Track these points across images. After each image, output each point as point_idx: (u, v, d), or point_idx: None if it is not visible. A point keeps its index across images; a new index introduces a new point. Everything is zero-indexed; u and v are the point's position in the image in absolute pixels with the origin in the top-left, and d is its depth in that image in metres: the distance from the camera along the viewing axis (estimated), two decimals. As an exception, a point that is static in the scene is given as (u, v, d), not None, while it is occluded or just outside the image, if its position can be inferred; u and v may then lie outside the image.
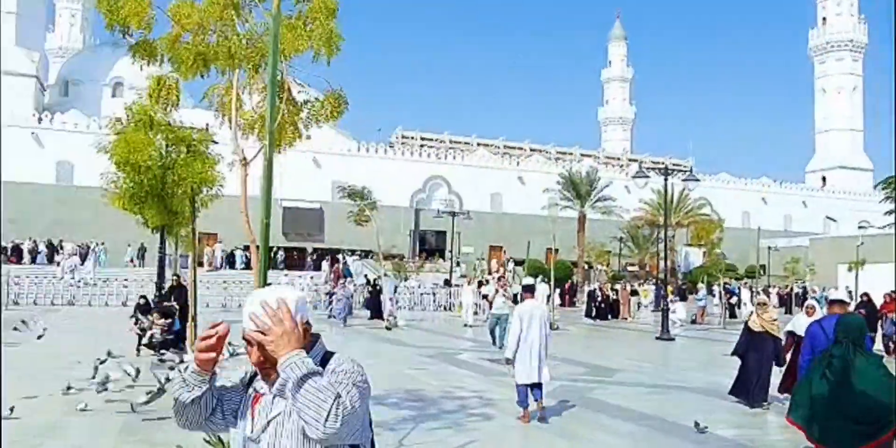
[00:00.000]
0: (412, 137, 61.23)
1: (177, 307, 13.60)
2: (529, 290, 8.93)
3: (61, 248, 36.43)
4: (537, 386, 7.96)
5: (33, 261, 36.30)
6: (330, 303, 23.92)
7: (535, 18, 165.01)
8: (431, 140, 61.81)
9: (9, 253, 36.92)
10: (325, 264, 40.68)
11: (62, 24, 74.80)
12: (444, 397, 9.38)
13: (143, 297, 15.22)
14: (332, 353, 2.13)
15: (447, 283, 35.32)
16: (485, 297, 25.14)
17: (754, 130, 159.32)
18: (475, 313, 24.77)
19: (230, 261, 42.55)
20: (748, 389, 9.24)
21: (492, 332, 15.30)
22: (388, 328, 20.49)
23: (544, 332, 8.03)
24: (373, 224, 22.30)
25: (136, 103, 11.55)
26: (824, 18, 73.27)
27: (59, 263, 32.33)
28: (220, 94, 7.28)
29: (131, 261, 35.38)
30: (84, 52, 59.17)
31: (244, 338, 1.99)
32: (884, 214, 36.39)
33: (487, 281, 29.50)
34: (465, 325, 21.80)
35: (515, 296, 18.45)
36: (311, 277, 35.56)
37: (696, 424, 7.58)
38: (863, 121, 73.04)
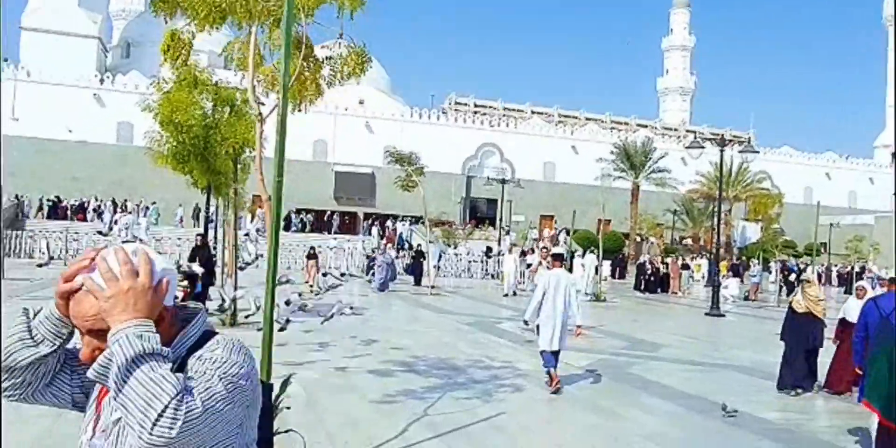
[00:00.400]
0: (465, 104, 60.62)
1: (199, 269, 12.69)
2: (558, 258, 8.87)
3: (124, 207, 37.35)
4: (555, 354, 7.98)
5: (99, 218, 37.19)
6: (370, 268, 23.86)
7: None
8: (485, 107, 61.11)
9: (73, 210, 38.09)
10: (374, 230, 40.89)
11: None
12: (475, 366, 9.23)
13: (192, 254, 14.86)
14: (213, 334, 1.49)
15: (488, 251, 35.04)
16: (528, 266, 24.93)
17: (820, 102, 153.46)
18: (519, 283, 24.59)
19: (286, 223, 43.05)
20: (791, 376, 8.46)
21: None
22: (432, 294, 20.51)
23: (569, 301, 8.05)
24: (420, 190, 22.05)
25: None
26: (903, -16, 69.50)
27: (116, 221, 33.11)
28: (241, 48, 7.11)
29: (181, 220, 35.88)
30: (145, 14, 59.78)
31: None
32: None
33: (532, 250, 29.21)
34: (506, 295, 21.56)
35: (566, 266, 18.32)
36: (363, 242, 35.86)
37: (724, 407, 7.22)
38: (940, 94, 69.43)
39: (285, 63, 3.90)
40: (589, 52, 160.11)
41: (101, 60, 54.53)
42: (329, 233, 40.56)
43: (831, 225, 42.77)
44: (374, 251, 26.23)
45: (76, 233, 28.95)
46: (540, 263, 13.19)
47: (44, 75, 43.62)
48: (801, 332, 8.47)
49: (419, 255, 25.44)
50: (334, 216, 44.21)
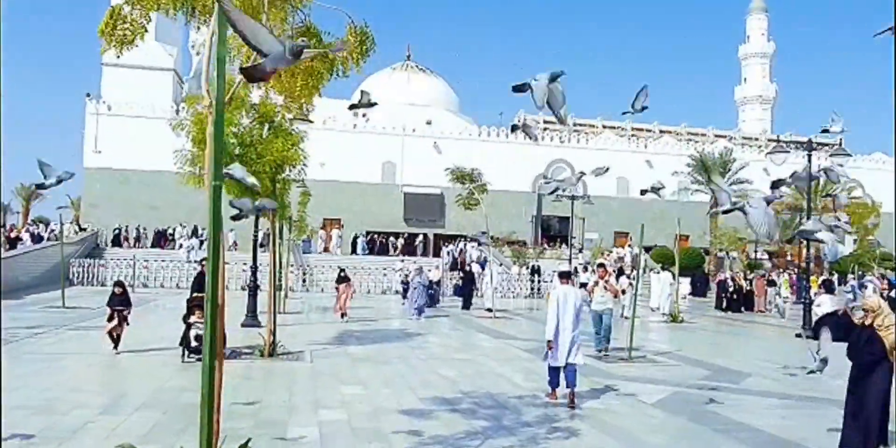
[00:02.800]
0: (535, 121, 59.55)
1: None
2: (565, 276, 9.30)
3: (198, 232, 37.76)
4: (571, 368, 8.19)
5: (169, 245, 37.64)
6: (406, 291, 22.49)
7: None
8: (554, 123, 59.87)
9: (151, 239, 38.77)
10: (444, 251, 40.14)
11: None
12: (528, 404, 8.18)
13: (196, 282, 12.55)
14: None
15: (534, 271, 33.56)
16: (583, 285, 22.99)
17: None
18: None
19: (353, 246, 42.88)
20: (856, 435, 6.35)
21: (596, 332, 12.52)
22: (493, 317, 19.51)
23: (579, 317, 8.37)
24: (482, 207, 21.17)
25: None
26: None
27: (181, 246, 33.46)
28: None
29: (234, 244, 35.46)
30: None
31: None
32: None
33: (586, 268, 27.49)
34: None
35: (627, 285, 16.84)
36: (414, 263, 34.76)
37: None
38: None
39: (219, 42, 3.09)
40: (661, 62, 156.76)
41: (176, 91, 56.08)
42: (405, 254, 40.20)
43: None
44: (409, 273, 24.21)
45: (146, 260, 29.25)
46: (597, 283, 11.66)
47: (123, 108, 44.98)
48: (868, 376, 6.50)
49: (468, 276, 24.10)
50: (398, 238, 43.77)
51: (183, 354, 10.39)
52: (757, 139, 64.99)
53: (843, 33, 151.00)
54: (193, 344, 9.98)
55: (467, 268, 24.02)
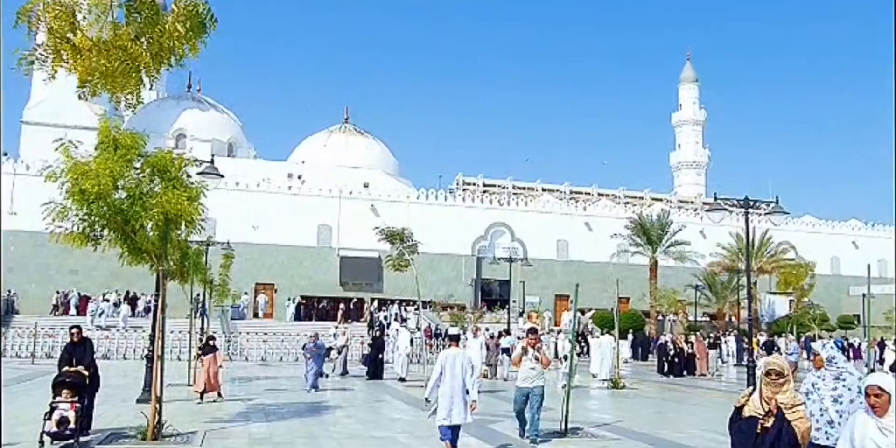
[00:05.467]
0: (474, 184, 59.45)
1: (84, 374, 9.44)
2: (454, 339, 9.50)
3: (129, 298, 35.44)
4: (456, 428, 8.53)
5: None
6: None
7: (601, 62, 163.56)
8: (494, 186, 59.87)
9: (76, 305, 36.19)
10: (380, 315, 38.75)
11: (136, 81, 77.22)
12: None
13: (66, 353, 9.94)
14: None
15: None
16: (505, 351, 21.18)
17: (839, 170, 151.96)
18: (486, 376, 20.51)
19: (298, 311, 41.21)
20: None
21: (518, 415, 10.21)
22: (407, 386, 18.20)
23: (466, 378, 8.58)
24: (413, 270, 20.15)
25: (105, 121, 9.98)
26: (911, 51, 68.98)
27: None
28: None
29: (146, 310, 33.20)
30: (150, 106, 60.19)
31: None
32: None
33: (508, 332, 26.30)
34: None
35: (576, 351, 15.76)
36: (346, 328, 33.30)
37: None
38: (962, 158, 67.55)
39: None
40: (600, 127, 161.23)
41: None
42: (346, 320, 38.68)
43: (864, 296, 40.18)
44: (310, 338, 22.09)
45: (51, 328, 27.07)
46: (525, 351, 9.74)
47: (41, 168, 43.02)
48: None
49: (376, 342, 21.83)
50: (338, 303, 42.32)
51: (41, 444, 8.57)
52: (692, 202, 66.12)
53: (772, 100, 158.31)
54: (54, 429, 8.45)
55: (376, 333, 22.09)
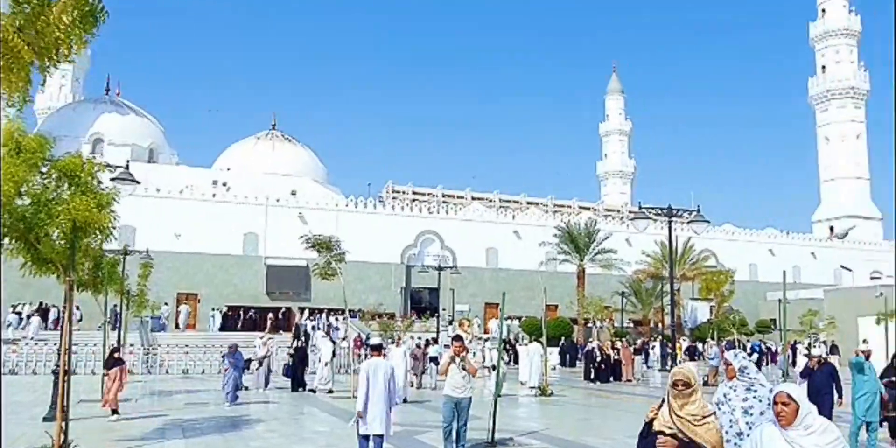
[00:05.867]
0: (403, 192, 59.32)
1: None
2: (376, 348, 9.39)
3: (40, 310, 33.65)
4: (378, 440, 8.45)
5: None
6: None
7: (531, 72, 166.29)
8: (423, 194, 59.88)
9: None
10: (309, 325, 38.04)
11: (52, 84, 74.18)
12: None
13: None
14: None
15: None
16: (433, 360, 21.14)
17: (757, 181, 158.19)
18: (413, 385, 20.06)
19: (225, 321, 40.13)
20: None
21: (447, 430, 9.50)
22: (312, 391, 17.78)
23: (389, 387, 8.59)
24: (340, 279, 19.80)
25: (8, 124, 9.40)
26: (823, 67, 72.26)
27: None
28: None
29: (56, 323, 31.60)
30: (64, 109, 57.94)
31: None
32: None
33: (435, 340, 26.19)
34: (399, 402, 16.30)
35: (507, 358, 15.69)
36: (272, 338, 32.56)
37: None
38: (868, 169, 71.11)
39: None
40: (529, 136, 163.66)
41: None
42: (274, 330, 37.83)
43: (780, 301, 41.74)
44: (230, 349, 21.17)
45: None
46: (452, 360, 9.36)
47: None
48: None
49: (298, 353, 21.25)
50: (266, 312, 41.52)
51: None
52: (619, 211, 67.55)
53: (695, 113, 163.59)
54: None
55: (300, 344, 21.31)
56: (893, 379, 10.81)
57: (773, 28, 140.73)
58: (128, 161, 13.84)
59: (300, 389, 19.93)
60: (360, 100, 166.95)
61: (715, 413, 4.20)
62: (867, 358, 10.84)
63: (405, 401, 16.18)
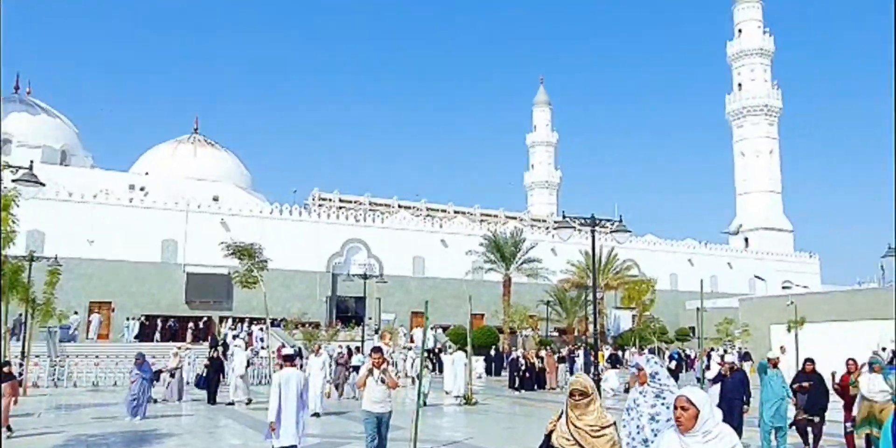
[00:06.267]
0: (330, 199, 58.51)
1: None
2: (289, 359, 9.70)
3: None
4: None
5: None
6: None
7: (461, 82, 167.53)
8: (350, 202, 59.21)
9: None
10: (229, 335, 36.88)
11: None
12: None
13: None
14: None
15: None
16: (356, 369, 19.57)
17: (679, 193, 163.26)
18: (328, 396, 19.23)
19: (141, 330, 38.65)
20: None
21: (371, 445, 9.10)
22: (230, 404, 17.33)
23: (303, 398, 8.78)
24: (262, 286, 19.25)
25: None
26: (740, 84, 75.08)
27: None
28: None
29: None
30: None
31: None
32: None
33: (358, 349, 25.76)
34: (315, 414, 15.16)
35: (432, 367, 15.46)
36: (189, 348, 31.37)
37: None
38: (781, 183, 74.15)
39: None
40: (457, 145, 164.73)
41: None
42: (195, 339, 36.60)
43: (698, 310, 43.00)
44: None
45: None
46: (370, 373, 8.84)
47: None
48: None
49: (213, 363, 20.03)
50: (188, 322, 40.22)
51: None
52: (545, 221, 68.39)
53: (621, 124, 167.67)
54: None
55: (215, 354, 20.39)
56: (804, 384, 11.07)
57: (696, 44, 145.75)
58: (31, 162, 13.03)
59: (215, 402, 19.13)
60: (286, 105, 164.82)
61: (615, 423, 4.08)
62: (775, 366, 11.09)
63: (317, 415, 15.66)
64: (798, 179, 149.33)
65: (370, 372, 8.98)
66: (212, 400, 19.02)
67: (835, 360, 15.68)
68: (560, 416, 4.08)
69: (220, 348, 23.91)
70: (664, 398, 4.91)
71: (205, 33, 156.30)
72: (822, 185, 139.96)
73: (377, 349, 9.53)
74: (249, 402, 18.55)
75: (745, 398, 11.06)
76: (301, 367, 15.62)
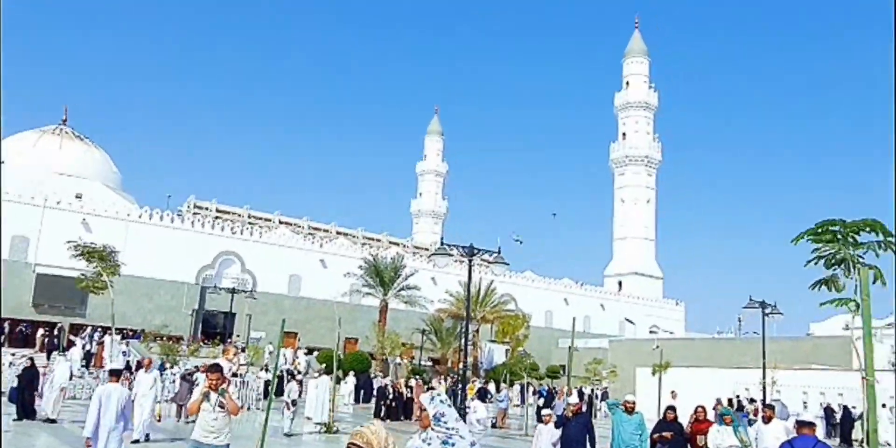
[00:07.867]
0: (206, 208, 55.90)
1: None
2: (115, 374, 9.43)
3: None
4: None
5: None
6: None
7: (354, 105, 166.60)
8: (228, 213, 56.79)
9: None
10: (77, 344, 33.71)
11: None
12: None
13: None
14: None
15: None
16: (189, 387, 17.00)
17: (560, 232, 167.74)
18: (158, 419, 16.79)
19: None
20: None
21: None
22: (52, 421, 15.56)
23: (124, 415, 8.69)
24: (110, 293, 17.46)
25: None
26: (624, 134, 78.20)
27: None
28: None
29: None
30: None
31: None
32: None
33: (197, 368, 23.81)
34: (135, 441, 12.88)
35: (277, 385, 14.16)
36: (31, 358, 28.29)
37: None
38: (655, 231, 77.31)
39: None
40: (344, 168, 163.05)
41: None
42: (45, 347, 33.15)
43: (570, 348, 43.49)
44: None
45: None
46: (206, 396, 7.26)
47: None
48: None
49: (26, 373, 17.33)
50: (35, 327, 36.64)
51: None
52: (427, 249, 68.05)
53: (502, 162, 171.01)
54: None
55: (26, 363, 17.67)
56: (664, 434, 10.65)
57: (589, 90, 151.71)
58: None
59: (28, 418, 16.34)
60: (171, 108, 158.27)
61: None
62: (631, 411, 10.68)
63: (138, 441, 13.16)
64: (670, 228, 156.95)
65: (205, 395, 7.34)
66: (22, 415, 16.29)
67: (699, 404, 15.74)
68: None
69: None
70: (453, 445, 4.07)
71: (78, 23, 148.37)
72: (691, 235, 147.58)
73: (216, 368, 7.72)
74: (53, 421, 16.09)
75: (589, 444, 10.43)
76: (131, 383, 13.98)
